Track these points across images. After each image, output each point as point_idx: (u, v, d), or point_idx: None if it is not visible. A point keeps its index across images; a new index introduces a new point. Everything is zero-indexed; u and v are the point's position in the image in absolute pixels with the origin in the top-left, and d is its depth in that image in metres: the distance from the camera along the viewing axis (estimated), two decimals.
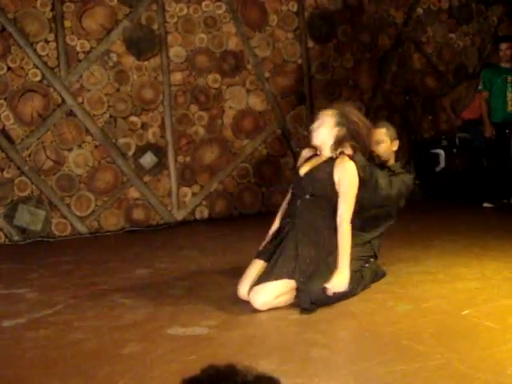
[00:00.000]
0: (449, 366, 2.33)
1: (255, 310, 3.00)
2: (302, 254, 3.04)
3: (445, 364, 2.36)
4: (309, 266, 3.03)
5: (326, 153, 3.24)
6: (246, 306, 3.12)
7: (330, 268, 3.03)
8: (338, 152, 3.19)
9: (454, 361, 2.38)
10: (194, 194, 5.83)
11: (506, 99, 5.80)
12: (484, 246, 4.17)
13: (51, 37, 5.38)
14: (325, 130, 3.21)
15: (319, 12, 6.18)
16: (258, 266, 3.17)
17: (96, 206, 5.57)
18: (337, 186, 3.15)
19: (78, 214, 5.52)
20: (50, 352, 2.62)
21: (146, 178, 5.73)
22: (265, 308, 3.00)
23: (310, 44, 6.17)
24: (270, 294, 2.99)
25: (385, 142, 3.63)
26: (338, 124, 3.19)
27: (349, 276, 3.03)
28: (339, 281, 3.00)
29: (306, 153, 3.39)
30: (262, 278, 3.05)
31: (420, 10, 6.56)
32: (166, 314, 3.08)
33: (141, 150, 5.69)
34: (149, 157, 5.73)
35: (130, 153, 5.66)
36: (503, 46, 5.82)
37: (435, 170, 6.11)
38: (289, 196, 3.40)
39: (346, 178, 3.12)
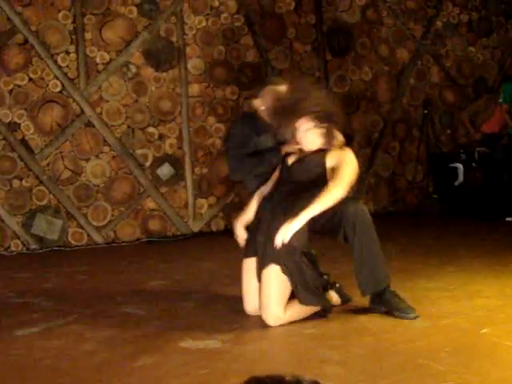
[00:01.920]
0: None
1: (268, 325, 2.97)
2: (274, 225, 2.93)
3: None
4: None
5: (311, 147, 3.11)
6: (260, 320, 3.08)
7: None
8: (328, 143, 3.08)
9: (472, 381, 2.32)
10: (210, 206, 5.83)
11: None
12: (504, 263, 4.09)
13: (72, 48, 5.45)
14: (311, 136, 3.09)
15: (337, 25, 6.18)
16: (251, 269, 3.11)
17: (112, 216, 5.59)
18: (328, 175, 3.03)
19: (94, 223, 5.55)
20: (61, 363, 2.61)
21: (163, 189, 5.74)
22: (280, 323, 2.96)
23: (328, 57, 6.17)
24: (275, 306, 2.95)
25: None
26: (317, 119, 3.04)
27: (296, 228, 2.86)
28: (285, 226, 2.85)
29: (291, 148, 3.23)
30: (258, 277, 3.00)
31: (439, 23, 6.54)
32: (179, 326, 3.06)
33: (158, 161, 5.72)
34: (166, 168, 5.75)
35: (147, 164, 5.68)
36: None
37: (454, 185, 6.04)
38: (269, 184, 3.22)
39: (345, 165, 2.99)
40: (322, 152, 3.09)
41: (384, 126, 6.39)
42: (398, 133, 6.45)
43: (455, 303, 3.26)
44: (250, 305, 3.10)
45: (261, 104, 3.45)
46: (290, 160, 3.17)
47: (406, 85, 6.44)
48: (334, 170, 3.03)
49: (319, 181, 3.04)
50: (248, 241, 3.18)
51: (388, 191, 6.44)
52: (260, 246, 3.03)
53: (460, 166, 6.02)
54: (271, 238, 2.93)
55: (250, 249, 3.13)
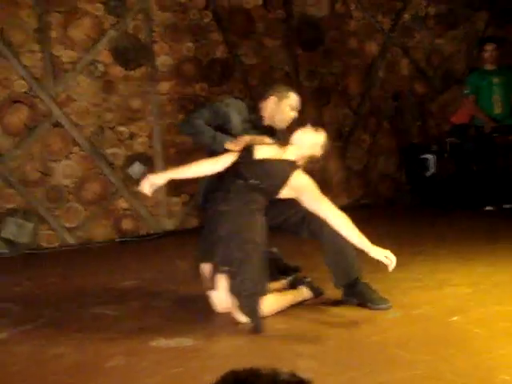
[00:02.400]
0: (436, 375, 2.30)
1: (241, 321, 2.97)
2: (223, 236, 2.93)
3: (432, 372, 2.33)
4: (232, 251, 2.89)
5: (290, 153, 3.14)
6: (232, 318, 3.08)
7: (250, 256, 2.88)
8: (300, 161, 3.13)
9: (442, 369, 2.35)
10: (183, 204, 5.80)
11: (493, 101, 5.81)
12: (474, 251, 4.15)
13: (37, 47, 5.35)
14: (309, 138, 3.17)
15: (306, 19, 6.18)
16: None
17: (85, 216, 5.53)
18: (291, 193, 3.03)
19: (66, 225, 5.48)
20: (31, 368, 2.57)
21: (135, 188, 5.68)
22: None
23: (298, 51, 6.17)
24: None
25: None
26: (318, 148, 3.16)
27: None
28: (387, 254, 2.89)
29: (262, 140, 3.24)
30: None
31: (407, 16, 6.58)
32: (152, 326, 3.03)
33: (129, 160, 5.66)
34: (137, 167, 5.69)
35: (118, 163, 5.62)
36: (488, 47, 5.82)
37: (425, 176, 6.10)
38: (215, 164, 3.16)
39: (307, 188, 3.01)
40: (291, 165, 3.08)
41: (355, 119, 6.42)
42: (369, 125, 6.49)
43: (425, 293, 3.30)
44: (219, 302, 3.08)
45: (263, 110, 3.45)
46: (260, 154, 3.14)
47: (376, 78, 6.48)
48: (299, 191, 2.99)
49: (268, 190, 3.02)
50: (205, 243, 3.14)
51: (360, 184, 6.47)
52: (217, 244, 2.98)
53: (431, 157, 6.07)
54: (227, 241, 2.92)
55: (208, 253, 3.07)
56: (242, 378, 0.99)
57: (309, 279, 3.32)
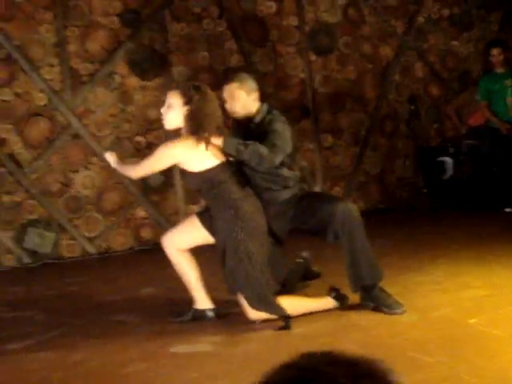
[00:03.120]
0: (454, 377, 2.30)
1: (258, 326, 2.99)
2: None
3: (450, 374, 2.33)
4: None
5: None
6: (251, 323, 3.10)
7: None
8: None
9: (460, 371, 2.34)
10: None
11: (507, 104, 5.77)
12: (493, 253, 4.12)
13: (55, 61, 5.46)
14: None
15: (320, 25, 6.21)
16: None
17: (104, 226, 5.60)
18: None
19: (86, 234, 5.55)
20: (54, 373, 2.62)
21: (153, 197, 5.75)
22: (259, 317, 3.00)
23: (312, 57, 6.20)
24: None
25: (240, 99, 3.33)
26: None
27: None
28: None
29: None
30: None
31: (421, 19, 6.56)
32: (170, 332, 3.07)
33: None
34: (155, 176, 5.75)
35: None
36: (494, 51, 5.78)
37: (443, 178, 6.06)
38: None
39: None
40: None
41: (371, 124, 6.42)
42: (386, 129, 6.48)
43: (444, 295, 3.29)
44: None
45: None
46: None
47: (391, 81, 6.47)
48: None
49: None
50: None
51: (378, 188, 6.46)
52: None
53: (448, 160, 6.04)
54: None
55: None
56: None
57: (340, 291, 3.28)
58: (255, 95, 3.40)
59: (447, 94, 6.66)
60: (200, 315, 3.17)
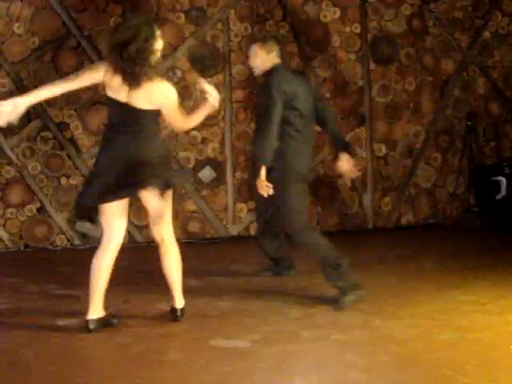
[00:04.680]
0: None
1: (297, 328, 3.03)
2: None
3: None
4: None
5: None
6: (291, 323, 3.16)
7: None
8: None
9: None
10: (249, 210, 5.91)
11: None
12: None
13: None
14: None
15: (382, 34, 6.19)
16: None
17: None
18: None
19: (136, 223, 5.71)
20: (97, 352, 2.75)
21: (204, 192, 5.87)
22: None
23: (372, 66, 6.18)
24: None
25: (259, 56, 3.86)
26: None
27: None
28: None
29: None
30: None
31: (487, 34, 6.44)
32: (211, 325, 3.16)
33: (200, 164, 5.84)
34: (207, 171, 5.87)
35: (190, 166, 5.82)
36: None
37: (496, 198, 5.95)
38: None
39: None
40: None
41: (426, 137, 6.35)
42: (441, 144, 6.40)
43: (486, 317, 3.25)
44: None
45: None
46: None
47: (450, 96, 6.38)
48: None
49: None
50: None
51: (428, 202, 6.38)
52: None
53: (503, 180, 5.92)
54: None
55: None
56: None
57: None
58: (273, 55, 3.84)
59: (508, 112, 6.51)
60: None
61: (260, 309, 3.43)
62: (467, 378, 2.47)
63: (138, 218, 5.73)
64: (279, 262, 4.21)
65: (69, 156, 5.62)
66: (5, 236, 5.53)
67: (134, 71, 2.99)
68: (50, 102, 5.54)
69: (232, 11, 5.87)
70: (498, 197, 5.93)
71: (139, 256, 5.17)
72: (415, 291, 3.76)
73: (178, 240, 5.63)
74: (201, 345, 2.86)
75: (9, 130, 5.48)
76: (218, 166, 5.89)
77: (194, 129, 5.82)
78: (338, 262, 3.41)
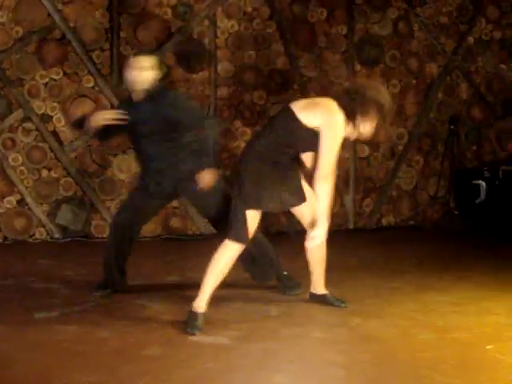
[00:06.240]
0: None
1: (278, 325, 3.04)
2: None
3: None
4: None
5: None
6: (271, 321, 3.16)
7: None
8: None
9: None
10: None
11: None
12: None
13: (106, 46, 5.60)
14: None
15: (368, 36, 6.22)
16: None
17: None
18: None
19: None
20: (76, 346, 2.72)
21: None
22: None
23: (357, 67, 6.21)
24: None
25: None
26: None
27: None
28: None
29: None
30: None
31: (471, 39, 6.51)
32: None
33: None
34: None
35: None
36: None
37: (475, 202, 6.02)
38: None
39: None
40: None
41: (409, 140, 6.41)
42: (423, 147, 6.46)
43: (464, 318, 3.29)
44: None
45: None
46: None
47: (434, 99, 6.44)
48: None
49: None
50: None
51: (409, 205, 6.44)
52: None
53: (483, 184, 6.00)
54: None
55: None
56: None
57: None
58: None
59: (490, 117, 6.60)
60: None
61: (240, 306, 3.43)
62: (444, 377, 2.50)
63: None
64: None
65: (51, 148, 5.57)
66: None
67: None
68: (32, 94, 5.49)
69: (219, 8, 5.86)
70: (478, 201, 6.01)
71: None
72: (395, 291, 3.79)
73: (158, 236, 5.70)
74: (180, 340, 2.85)
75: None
76: None
77: None
78: None
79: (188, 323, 2.95)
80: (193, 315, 2.99)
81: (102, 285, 3.60)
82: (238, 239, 3.05)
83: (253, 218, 3.07)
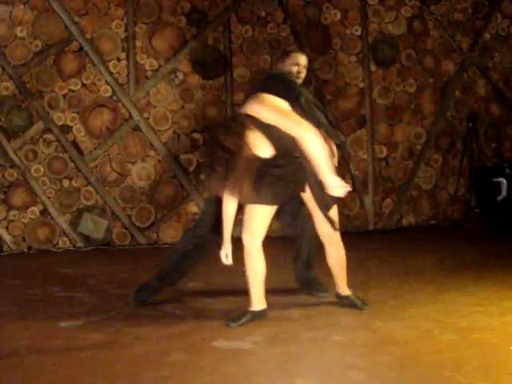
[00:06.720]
0: None
1: (300, 329, 3.05)
2: None
3: None
4: None
5: None
6: (292, 325, 3.18)
7: None
8: None
9: None
10: None
11: None
12: None
13: (123, 55, 5.68)
14: None
15: (383, 36, 6.21)
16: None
17: (156, 218, 5.78)
18: None
19: (138, 225, 5.74)
20: (100, 354, 2.77)
21: (206, 194, 5.89)
22: None
23: (373, 68, 6.20)
24: None
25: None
26: None
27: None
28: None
29: None
30: None
31: (487, 36, 6.46)
32: (214, 326, 3.18)
33: (202, 167, 5.87)
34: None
35: (191, 168, 5.85)
36: None
37: (496, 200, 5.96)
38: None
39: None
40: None
41: (427, 139, 6.37)
42: (442, 145, 6.42)
43: (487, 318, 3.26)
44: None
45: None
46: None
47: (451, 97, 6.40)
48: None
49: None
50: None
51: (429, 204, 6.41)
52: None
53: (504, 181, 5.94)
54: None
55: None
56: None
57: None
58: None
59: (509, 113, 6.53)
60: (258, 316, 3.26)
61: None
62: (467, 379, 2.49)
63: (140, 220, 5.76)
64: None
65: (71, 159, 5.66)
66: (8, 238, 5.56)
67: None
68: (52, 105, 5.59)
69: (233, 14, 5.90)
70: (499, 198, 5.95)
71: (140, 259, 5.20)
72: (416, 292, 3.78)
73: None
74: (203, 346, 2.88)
75: (12, 133, 5.53)
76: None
77: (196, 131, 5.88)
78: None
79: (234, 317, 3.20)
80: (243, 312, 3.24)
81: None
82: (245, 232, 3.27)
83: (263, 212, 3.24)
